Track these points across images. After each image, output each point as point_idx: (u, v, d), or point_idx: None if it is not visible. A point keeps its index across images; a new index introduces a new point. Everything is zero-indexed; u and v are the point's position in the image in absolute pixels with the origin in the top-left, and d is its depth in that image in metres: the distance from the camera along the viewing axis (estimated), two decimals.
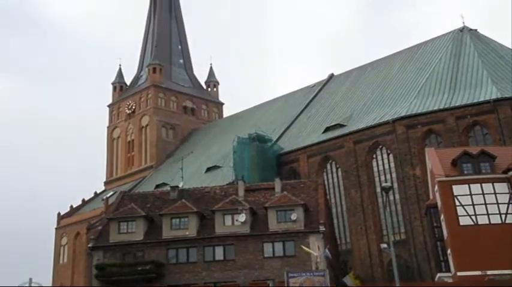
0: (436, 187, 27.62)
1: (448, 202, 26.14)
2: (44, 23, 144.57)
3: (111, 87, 74.81)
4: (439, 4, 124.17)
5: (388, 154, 38.64)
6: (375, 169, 39.02)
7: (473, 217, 25.57)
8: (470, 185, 26.14)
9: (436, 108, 37.23)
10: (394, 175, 37.70)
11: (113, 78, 75.01)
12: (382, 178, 38.11)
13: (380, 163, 38.93)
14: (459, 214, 25.72)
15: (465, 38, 42.99)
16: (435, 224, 28.35)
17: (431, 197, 30.63)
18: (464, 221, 25.62)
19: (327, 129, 43.44)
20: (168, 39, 75.37)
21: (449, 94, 38.02)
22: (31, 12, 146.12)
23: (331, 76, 56.13)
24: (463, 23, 45.18)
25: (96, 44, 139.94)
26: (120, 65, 75.23)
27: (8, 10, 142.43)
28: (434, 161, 28.87)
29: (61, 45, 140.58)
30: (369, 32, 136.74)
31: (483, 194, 25.84)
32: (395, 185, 36.76)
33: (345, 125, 42.36)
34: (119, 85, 74.20)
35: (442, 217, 27.37)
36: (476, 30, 44.27)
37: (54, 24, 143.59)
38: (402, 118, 37.91)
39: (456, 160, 27.67)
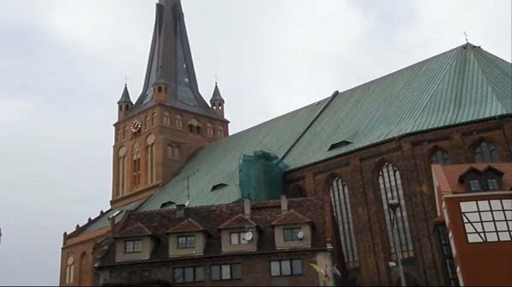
0: (444, 204, 27.49)
1: (456, 219, 25.98)
2: (51, 43, 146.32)
3: (117, 106, 75.36)
4: (442, 22, 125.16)
5: (395, 171, 38.54)
6: (382, 186, 38.89)
7: (482, 234, 25.39)
8: (478, 202, 26.02)
9: (441, 125, 37.23)
10: (400, 192, 37.53)
11: (118, 98, 75.60)
12: (389, 195, 37.93)
13: (386, 180, 38.81)
14: (467, 231, 25.55)
15: (469, 55, 43.18)
16: (443, 242, 28.14)
17: (438, 214, 30.48)
18: (472, 238, 25.43)
19: (333, 147, 43.44)
20: (174, 59, 76.07)
21: (455, 111, 38.04)
22: (39, 34, 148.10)
23: (336, 93, 56.31)
24: (466, 40, 45.51)
25: (102, 64, 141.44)
26: (126, 84, 76.01)
27: (17, 31, 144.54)
28: (441, 178, 28.78)
29: (66, 65, 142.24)
30: (372, 50, 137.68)
31: (491, 211, 25.69)
32: (403, 202, 36.59)
33: (350, 143, 42.37)
34: (125, 104, 74.70)
35: (450, 234, 27.18)
36: (479, 47, 44.49)
37: (59, 44, 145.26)
38: (408, 135, 37.89)
39: (463, 177, 27.59)
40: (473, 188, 26.91)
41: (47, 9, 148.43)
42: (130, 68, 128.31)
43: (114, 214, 57.98)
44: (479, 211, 25.74)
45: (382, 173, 39.25)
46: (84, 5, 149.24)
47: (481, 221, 25.50)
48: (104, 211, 67.95)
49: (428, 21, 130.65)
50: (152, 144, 67.88)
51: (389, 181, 38.58)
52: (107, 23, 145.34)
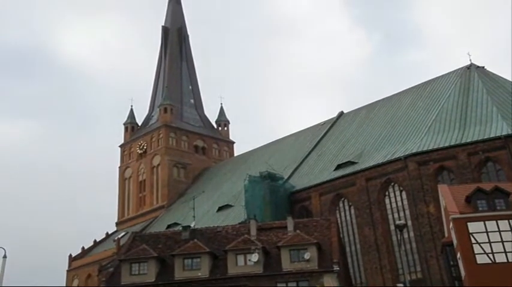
0: (451, 225, 27.29)
1: (464, 239, 25.74)
2: (58, 65, 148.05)
3: (123, 127, 75.77)
4: (446, 43, 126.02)
5: (401, 191, 38.37)
6: (388, 207, 38.69)
7: (491, 255, 25.10)
8: (486, 222, 25.78)
9: (447, 144, 37.17)
10: (407, 212, 37.32)
11: (124, 119, 76.07)
12: (396, 215, 37.73)
13: (393, 200, 38.63)
14: (476, 252, 25.27)
15: (473, 75, 43.34)
16: (452, 263, 27.84)
17: (446, 234, 30.22)
18: (481, 259, 25.14)
19: (338, 167, 43.38)
20: (179, 80, 76.77)
21: (460, 130, 38.03)
22: (47, 57, 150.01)
23: (341, 114, 56.46)
24: (470, 60, 45.72)
25: (108, 85, 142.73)
26: (131, 105, 76.66)
27: (26, 54, 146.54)
28: (448, 198, 28.63)
29: (74, 87, 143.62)
30: (377, 70, 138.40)
31: (499, 231, 25.45)
32: (409, 223, 36.34)
33: (356, 163, 42.31)
34: (131, 126, 75.17)
35: (458, 255, 26.91)
36: (483, 67, 44.67)
37: (67, 66, 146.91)
38: (414, 155, 37.82)
39: (470, 197, 27.42)
40: (480, 208, 26.72)
41: (55, 32, 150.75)
42: (136, 89, 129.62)
43: (120, 236, 57.85)
44: (487, 232, 25.49)
45: (389, 193, 39.08)
46: (91, 27, 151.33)
47: (490, 242, 25.23)
48: (110, 233, 67.80)
49: (433, 42, 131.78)
50: (158, 165, 68.02)
51: (396, 201, 38.38)
52: (113, 45, 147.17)
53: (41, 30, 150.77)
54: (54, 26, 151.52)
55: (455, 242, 27.17)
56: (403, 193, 38.14)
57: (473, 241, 25.48)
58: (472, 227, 25.81)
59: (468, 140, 36.35)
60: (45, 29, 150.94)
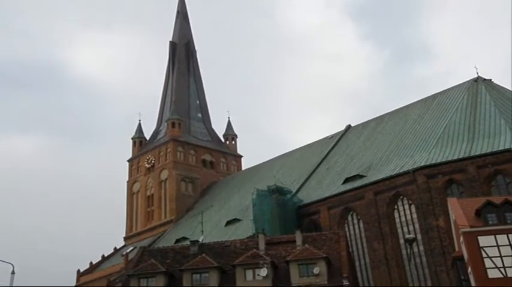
0: (461, 238, 27.05)
1: (475, 253, 25.47)
2: (66, 80, 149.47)
3: (130, 142, 76.10)
4: (453, 57, 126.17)
5: (410, 205, 38.14)
6: (397, 220, 38.41)
7: (502, 269, 24.82)
8: (496, 236, 25.51)
9: (455, 157, 36.96)
10: (417, 226, 37.02)
11: (132, 133, 76.44)
12: (405, 229, 37.47)
13: (402, 213, 38.36)
14: (487, 266, 24.98)
15: (480, 87, 43.25)
16: (463, 277, 27.49)
17: (456, 248, 29.93)
18: (492, 273, 24.82)
19: (347, 180, 43.24)
20: (187, 94, 77.17)
21: (468, 143, 37.84)
22: (56, 72, 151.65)
23: (349, 127, 56.41)
24: (477, 73, 45.61)
25: (116, 100, 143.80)
26: (139, 120, 77.07)
27: (37, 69, 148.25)
28: (458, 211, 28.40)
29: (83, 102, 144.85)
30: (385, 84, 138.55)
31: (510, 245, 25.16)
32: (419, 237, 36.06)
33: (364, 176, 42.15)
34: (139, 140, 75.50)
35: (469, 269, 26.63)
36: (490, 80, 44.59)
37: (75, 81, 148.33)
38: (422, 168, 37.63)
39: (480, 210, 27.20)
40: (490, 222, 26.47)
41: (65, 47, 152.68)
42: (144, 104, 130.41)
43: (128, 251, 57.79)
44: (498, 245, 25.23)
45: (397, 206, 38.84)
46: (101, 43, 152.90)
47: (501, 256, 24.94)
48: (118, 248, 67.74)
49: (440, 56, 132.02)
50: (166, 179, 68.13)
51: (405, 215, 38.11)
52: (121, 60, 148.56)
53: (52, 45, 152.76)
54: (64, 41, 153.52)
55: (466, 256, 26.89)
56: (412, 207, 37.89)
57: (484, 255, 25.19)
58: (483, 241, 25.54)
59: (477, 153, 36.13)
60: (56, 45, 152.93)
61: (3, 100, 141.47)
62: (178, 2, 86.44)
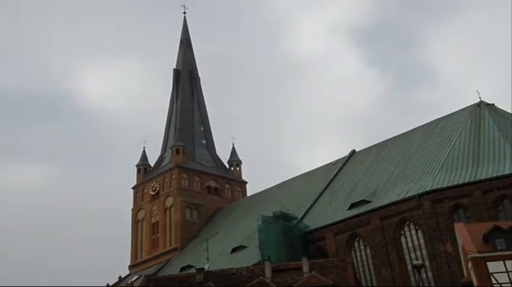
0: (470, 264, 26.87)
1: (484, 280, 25.25)
2: (71, 108, 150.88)
3: (135, 169, 76.23)
4: (455, 81, 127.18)
5: (417, 230, 37.97)
6: (404, 246, 38.20)
7: None
8: (506, 261, 25.36)
9: (461, 182, 36.97)
10: (424, 252, 36.79)
11: (137, 161, 76.61)
12: (413, 255, 37.23)
13: (409, 239, 38.16)
14: None
15: (483, 112, 43.53)
16: None
17: (465, 274, 29.70)
18: None
19: (352, 206, 43.15)
20: (191, 121, 77.63)
21: (473, 168, 37.89)
22: (62, 100, 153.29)
23: (353, 152, 56.56)
24: (480, 98, 46.00)
25: (120, 128, 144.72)
26: (144, 147, 77.25)
27: (44, 97, 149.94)
28: (465, 236, 28.30)
29: (87, 129, 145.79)
30: (388, 109, 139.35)
31: None
32: (427, 263, 35.80)
33: (370, 201, 42.10)
34: (143, 167, 75.57)
35: None
36: (493, 104, 44.89)
37: (81, 109, 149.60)
38: (428, 193, 37.61)
39: (488, 235, 27.10)
40: (499, 247, 26.34)
41: (71, 75, 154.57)
42: (148, 131, 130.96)
43: (133, 279, 57.26)
44: (507, 271, 25.05)
45: (404, 232, 38.67)
46: (106, 71, 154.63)
47: (511, 282, 24.76)
48: (123, 276, 67.15)
49: (443, 80, 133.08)
50: (171, 206, 67.98)
51: (412, 241, 37.90)
52: (125, 88, 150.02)
53: (58, 73, 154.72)
54: (70, 70, 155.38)
55: (475, 282, 26.67)
56: (419, 232, 37.72)
57: (493, 281, 25.01)
58: (492, 267, 25.37)
59: (482, 178, 36.14)
60: (62, 73, 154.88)
61: (12, 130, 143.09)
62: (182, 30, 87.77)
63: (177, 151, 71.16)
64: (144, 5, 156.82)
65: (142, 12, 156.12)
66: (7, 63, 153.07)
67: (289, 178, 62.93)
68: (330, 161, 58.35)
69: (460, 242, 29.99)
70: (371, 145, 55.14)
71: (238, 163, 76.84)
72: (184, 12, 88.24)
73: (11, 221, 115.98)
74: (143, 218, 70.90)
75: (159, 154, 77.49)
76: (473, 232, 28.43)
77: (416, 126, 51.20)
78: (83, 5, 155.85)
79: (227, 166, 76.41)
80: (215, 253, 51.05)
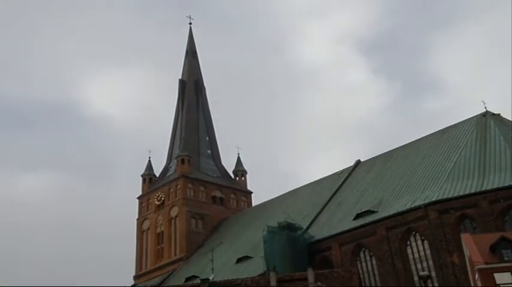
0: (477, 276, 26.68)
1: None
2: (78, 118, 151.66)
3: (140, 179, 76.32)
4: (461, 91, 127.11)
5: (423, 240, 37.72)
6: (410, 256, 37.94)
7: None
8: None
9: (467, 192, 36.75)
10: (430, 263, 36.50)
11: (142, 171, 76.73)
12: (419, 265, 36.94)
13: (415, 249, 37.90)
14: None
15: (489, 122, 43.44)
16: None
17: (472, 285, 29.45)
18: None
19: (358, 216, 42.97)
20: (196, 131, 77.82)
21: (480, 178, 37.71)
22: (68, 110, 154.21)
23: (358, 162, 56.44)
24: (485, 108, 45.90)
25: (126, 138, 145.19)
26: (149, 157, 77.43)
27: (51, 108, 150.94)
28: (472, 247, 28.14)
29: (92, 139, 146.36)
30: (394, 119, 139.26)
31: None
32: (433, 274, 35.51)
33: (375, 211, 41.93)
34: (148, 177, 75.73)
35: None
36: (499, 114, 44.79)
37: (87, 119, 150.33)
38: (434, 203, 37.42)
39: (494, 246, 26.91)
40: (506, 258, 26.15)
41: (78, 85, 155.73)
42: (153, 141, 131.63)
43: None
44: None
45: (410, 242, 38.42)
46: (111, 82, 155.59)
47: None
48: None
49: (449, 90, 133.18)
50: (176, 216, 67.95)
51: (418, 251, 37.63)
52: (131, 98, 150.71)
53: (65, 83, 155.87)
54: (77, 79, 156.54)
55: None
56: (425, 242, 37.47)
57: None
58: (499, 278, 25.20)
59: (488, 188, 35.94)
60: (69, 82, 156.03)
61: (18, 139, 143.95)
62: (188, 41, 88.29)
63: (182, 161, 71.26)
64: (150, 16, 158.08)
65: (148, 23, 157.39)
66: (14, 72, 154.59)
67: (294, 187, 62.94)
68: (336, 171, 58.26)
69: (466, 253, 29.81)
70: (376, 154, 55.09)
71: (244, 173, 76.81)
72: (190, 23, 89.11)
73: (16, 230, 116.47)
74: (148, 228, 70.87)
75: (164, 163, 77.65)
76: (480, 242, 28.26)
77: (422, 136, 51.13)
78: (89, 16, 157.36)
79: (232, 176, 76.38)
80: (220, 264, 50.89)
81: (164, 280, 59.94)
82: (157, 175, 76.38)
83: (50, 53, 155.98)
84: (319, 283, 31.66)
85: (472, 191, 36.56)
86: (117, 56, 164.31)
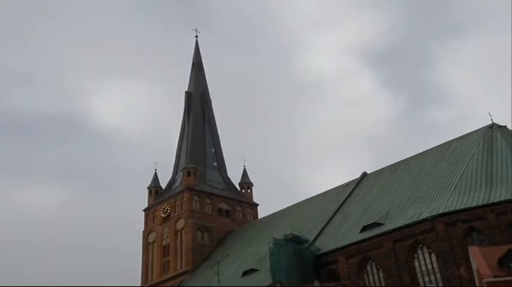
0: None
1: None
2: (84, 130, 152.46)
3: (146, 191, 76.44)
4: (467, 102, 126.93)
5: (430, 253, 37.45)
6: (418, 269, 37.65)
7: None
8: None
9: (474, 204, 36.53)
10: (438, 276, 36.17)
11: (148, 183, 76.88)
12: (426, 278, 36.64)
13: (422, 262, 37.62)
14: None
15: (495, 134, 43.31)
16: None
17: None
18: None
19: (364, 229, 42.79)
20: (202, 143, 78.02)
21: (487, 190, 37.51)
22: (76, 122, 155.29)
23: (365, 174, 56.33)
24: (492, 120, 45.80)
25: (132, 150, 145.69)
26: (155, 169, 77.64)
27: (59, 120, 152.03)
28: (479, 260, 27.94)
29: (98, 152, 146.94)
30: (399, 130, 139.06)
31: None
32: None
33: (382, 224, 41.74)
34: (154, 189, 75.87)
35: None
36: (505, 126, 44.69)
37: (93, 131, 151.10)
38: (441, 215, 37.19)
39: (503, 259, 26.71)
40: None
41: (85, 98, 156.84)
42: (160, 153, 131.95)
43: None
44: None
45: (417, 255, 38.15)
46: (117, 95, 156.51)
47: None
48: None
49: (455, 102, 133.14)
50: (182, 229, 67.89)
51: (426, 264, 37.32)
52: (137, 111, 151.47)
53: (71, 95, 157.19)
54: (83, 91, 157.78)
55: None
56: (433, 255, 37.20)
57: None
58: None
59: (496, 200, 35.69)
60: (75, 94, 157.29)
61: (24, 152, 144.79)
62: (194, 54, 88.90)
63: (188, 173, 71.36)
64: (157, 28, 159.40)
65: (155, 35, 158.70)
66: (22, 84, 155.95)
67: (300, 200, 62.80)
68: (341, 183, 58.16)
69: (474, 266, 29.58)
70: (383, 166, 54.98)
71: (250, 185, 76.76)
72: (196, 36, 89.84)
73: (22, 242, 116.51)
74: (154, 241, 70.83)
75: (170, 176, 77.78)
76: (487, 255, 28.05)
77: (428, 148, 51.02)
78: (96, 27, 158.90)
79: (238, 188, 76.37)
80: (226, 276, 50.71)
81: None
82: (163, 187, 76.49)
83: (55, 64, 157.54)
84: None
85: (479, 203, 36.33)
86: (123, 68, 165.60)
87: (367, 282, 39.06)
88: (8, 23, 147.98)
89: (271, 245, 44.31)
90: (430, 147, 50.92)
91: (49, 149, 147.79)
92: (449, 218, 36.78)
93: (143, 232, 73.22)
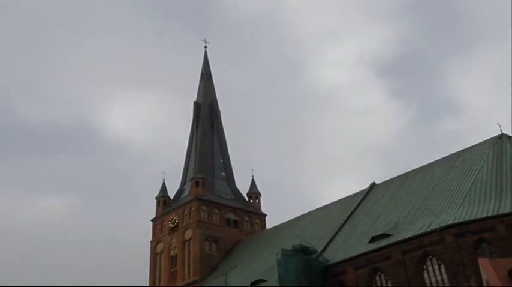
0: None
1: None
2: (94, 141, 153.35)
3: (154, 201, 76.55)
4: (477, 113, 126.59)
5: (440, 264, 37.18)
6: (427, 281, 37.38)
7: None
8: None
9: (484, 215, 36.30)
10: None
11: (156, 193, 77.01)
12: None
13: (432, 274, 37.34)
14: None
15: (505, 144, 43.11)
16: None
17: None
18: None
19: (373, 239, 42.59)
20: (211, 153, 78.13)
21: (496, 201, 37.26)
22: (86, 133, 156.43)
23: (373, 185, 56.17)
24: (501, 130, 45.63)
25: (140, 160, 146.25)
26: (164, 179, 77.73)
27: (70, 131, 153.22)
28: (489, 272, 27.69)
29: (107, 162, 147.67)
30: (408, 139, 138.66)
31: None
32: None
33: (391, 235, 41.53)
34: (163, 199, 75.92)
35: None
36: None
37: (103, 142, 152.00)
38: (450, 226, 36.97)
39: None
40: None
41: (94, 108, 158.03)
42: (168, 163, 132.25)
43: None
44: None
45: (427, 266, 37.89)
46: (126, 107, 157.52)
47: None
48: None
49: (465, 113, 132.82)
50: (190, 239, 67.81)
51: (435, 275, 37.06)
52: (145, 121, 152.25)
53: (81, 106, 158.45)
54: (93, 102, 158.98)
55: None
56: (442, 267, 36.92)
57: None
58: None
59: (506, 211, 35.44)
60: (85, 105, 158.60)
61: (35, 162, 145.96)
62: (203, 64, 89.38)
63: (197, 183, 71.42)
64: (166, 39, 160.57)
65: (164, 46, 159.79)
66: (32, 95, 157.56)
67: (308, 210, 62.61)
68: (350, 194, 57.99)
69: (484, 277, 29.31)
70: (391, 177, 54.80)
71: (258, 195, 76.68)
72: (205, 47, 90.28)
73: (30, 252, 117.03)
74: (162, 251, 70.80)
75: (178, 186, 77.88)
76: (498, 267, 27.79)
77: (437, 159, 50.83)
78: (107, 39, 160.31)
79: (246, 198, 76.29)
80: None
81: None
82: (171, 197, 76.57)
83: (65, 75, 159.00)
84: None
85: (489, 214, 36.09)
86: (132, 79, 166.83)
87: None
88: (22, 35, 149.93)
89: (279, 255, 44.22)
90: (440, 157, 50.76)
91: (59, 159, 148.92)
92: (459, 229, 36.54)
93: (151, 241, 73.22)
